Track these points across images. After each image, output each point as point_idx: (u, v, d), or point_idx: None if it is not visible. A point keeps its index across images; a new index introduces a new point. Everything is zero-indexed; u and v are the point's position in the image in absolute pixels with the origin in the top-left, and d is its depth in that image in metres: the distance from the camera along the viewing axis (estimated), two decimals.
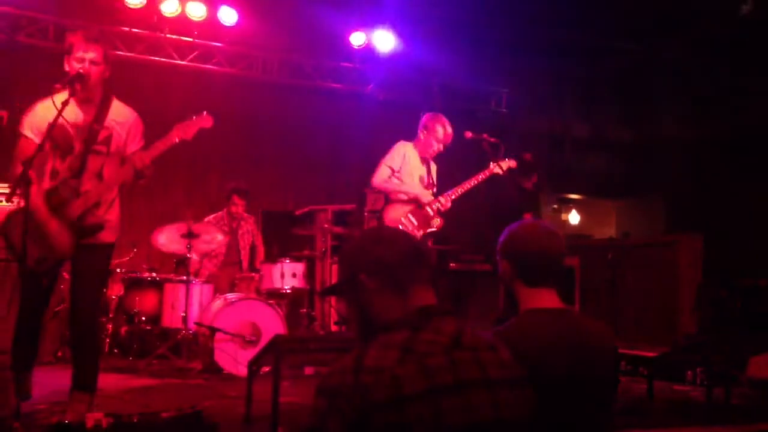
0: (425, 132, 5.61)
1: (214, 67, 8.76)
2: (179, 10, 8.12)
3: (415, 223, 5.47)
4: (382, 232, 1.98)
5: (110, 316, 6.70)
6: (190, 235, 6.16)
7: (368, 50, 9.18)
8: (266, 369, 5.01)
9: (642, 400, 4.78)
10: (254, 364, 4.27)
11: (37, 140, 3.68)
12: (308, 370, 5.93)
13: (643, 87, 10.49)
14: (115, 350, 6.63)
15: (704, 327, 6.69)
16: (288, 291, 6.57)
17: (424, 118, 5.66)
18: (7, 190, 3.86)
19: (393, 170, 5.52)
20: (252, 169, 8.65)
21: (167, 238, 6.34)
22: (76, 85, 3.71)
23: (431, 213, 5.54)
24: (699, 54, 9.18)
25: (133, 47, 8.25)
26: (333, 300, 7.11)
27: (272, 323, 5.93)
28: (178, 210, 7.58)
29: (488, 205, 6.30)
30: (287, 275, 6.54)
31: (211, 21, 8.37)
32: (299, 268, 6.63)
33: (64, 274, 4.19)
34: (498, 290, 7.15)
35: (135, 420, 3.12)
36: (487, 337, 1.81)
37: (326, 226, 7.04)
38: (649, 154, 10.84)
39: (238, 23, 8.46)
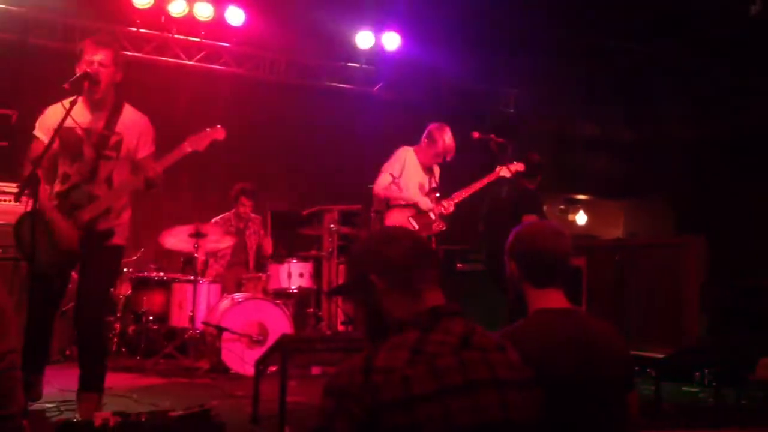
0: (428, 141, 5.64)
1: (222, 68, 8.77)
2: (187, 11, 8.14)
3: (417, 227, 5.49)
4: (391, 232, 1.97)
5: (118, 315, 6.72)
6: (198, 235, 6.18)
7: (375, 50, 9.18)
8: (273, 368, 5.02)
9: (650, 402, 4.77)
10: (261, 364, 4.28)
11: (46, 141, 3.71)
12: (315, 370, 5.94)
13: (650, 87, 10.46)
14: (123, 349, 6.65)
15: (712, 328, 6.66)
16: (295, 291, 6.59)
17: (430, 127, 5.68)
18: (16, 190, 3.88)
19: (393, 177, 5.57)
20: (259, 169, 8.65)
21: (175, 239, 6.37)
22: (85, 84, 3.73)
23: (433, 217, 5.57)
24: (705, 54, 9.15)
25: (140, 48, 8.27)
26: (340, 300, 7.11)
27: (279, 323, 5.94)
28: (186, 210, 7.60)
29: (486, 206, 6.30)
30: (294, 275, 6.56)
31: (219, 21, 8.38)
32: (306, 268, 6.65)
33: (73, 274, 4.20)
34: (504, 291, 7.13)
35: (143, 419, 3.13)
36: (495, 338, 1.81)
37: (333, 226, 7.05)
38: (657, 155, 10.80)
39: (245, 23, 8.47)
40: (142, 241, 7.06)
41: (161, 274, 6.83)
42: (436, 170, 5.79)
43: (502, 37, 9.09)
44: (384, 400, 1.56)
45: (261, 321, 5.96)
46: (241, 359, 5.75)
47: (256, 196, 7.17)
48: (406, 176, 5.62)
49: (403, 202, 5.60)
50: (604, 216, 12.26)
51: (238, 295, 6.20)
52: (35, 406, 3.79)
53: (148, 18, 8.16)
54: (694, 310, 6.78)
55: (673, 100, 10.19)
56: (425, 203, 5.57)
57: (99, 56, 3.78)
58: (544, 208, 6.18)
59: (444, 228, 5.63)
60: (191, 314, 6.12)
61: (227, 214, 7.16)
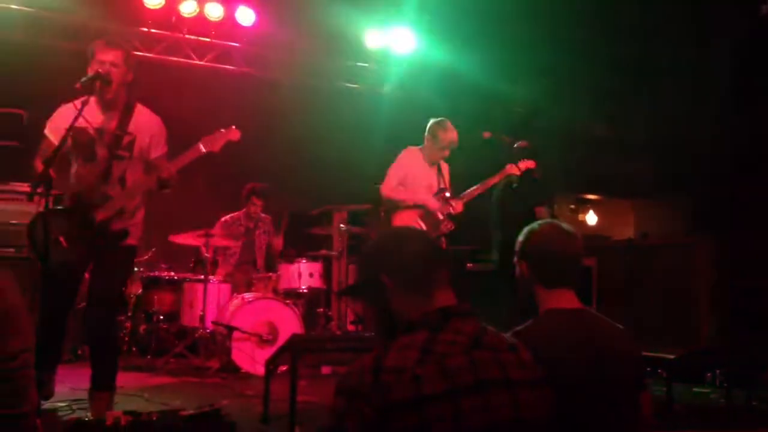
0: (430, 137, 5.67)
1: (232, 68, 8.79)
2: (197, 11, 8.16)
3: (425, 227, 5.49)
4: (402, 233, 1.97)
5: (128, 314, 6.75)
6: (207, 236, 6.23)
7: (385, 50, 9.18)
8: (283, 368, 5.04)
9: (661, 403, 4.75)
10: (271, 363, 4.28)
11: (57, 141, 3.73)
12: (325, 370, 5.95)
13: (662, 85, 10.41)
14: (134, 349, 6.68)
15: (723, 328, 6.63)
16: (305, 291, 6.60)
17: (429, 125, 5.72)
18: (28, 190, 3.90)
19: (400, 178, 5.60)
20: (269, 168, 8.66)
21: (184, 241, 6.46)
22: (96, 84, 3.75)
23: (441, 217, 5.58)
24: (717, 52, 9.10)
25: (151, 48, 8.30)
26: (349, 299, 7.11)
27: (289, 323, 5.96)
28: (196, 210, 7.62)
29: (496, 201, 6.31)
30: (304, 275, 6.57)
31: (229, 21, 8.41)
32: (316, 267, 6.66)
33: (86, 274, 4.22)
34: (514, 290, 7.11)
35: (154, 418, 3.14)
36: (507, 338, 1.81)
37: (343, 225, 7.05)
38: (668, 154, 10.75)
39: (255, 23, 8.49)
40: (152, 240, 7.08)
41: (172, 273, 6.86)
42: (445, 169, 5.80)
43: (513, 35, 9.06)
44: (394, 399, 1.56)
45: (271, 320, 5.97)
46: (251, 359, 5.77)
47: (267, 195, 7.19)
48: (414, 177, 5.63)
49: (410, 203, 5.61)
50: (614, 216, 12.21)
51: (248, 295, 6.21)
52: (47, 404, 3.81)
53: (159, 18, 8.19)
54: (706, 311, 6.75)
55: (684, 99, 10.14)
56: (433, 203, 5.57)
57: (110, 57, 3.80)
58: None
59: (452, 228, 5.64)
60: (202, 314, 6.15)
61: (237, 213, 7.18)
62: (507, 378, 1.67)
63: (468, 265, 7.65)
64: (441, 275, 1.81)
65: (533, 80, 9.90)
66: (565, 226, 2.33)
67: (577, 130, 10.95)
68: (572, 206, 11.58)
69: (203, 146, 4.01)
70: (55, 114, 3.91)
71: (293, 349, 3.91)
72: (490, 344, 1.71)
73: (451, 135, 5.62)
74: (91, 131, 3.83)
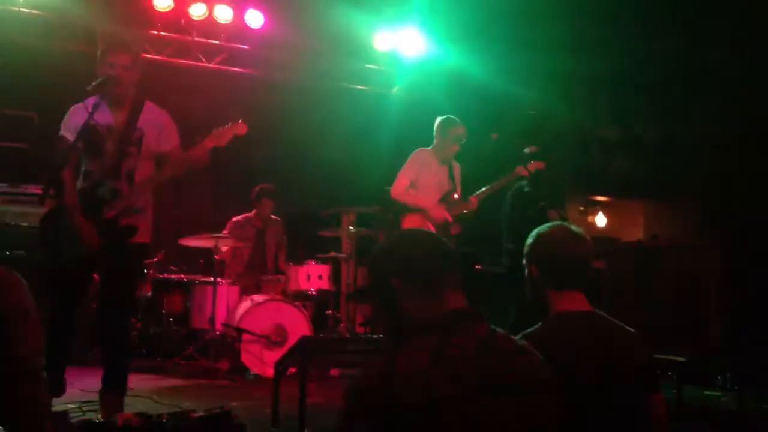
0: (438, 136, 5.76)
1: (241, 70, 8.81)
2: (207, 14, 8.19)
3: (434, 229, 5.49)
4: (412, 235, 1.97)
5: (139, 316, 6.77)
6: (217, 238, 6.24)
7: (394, 52, 9.18)
8: (292, 370, 5.03)
9: (672, 405, 4.72)
10: (280, 366, 4.28)
11: (70, 141, 3.76)
12: (334, 372, 5.95)
13: (673, 87, 10.37)
14: (144, 350, 6.70)
15: (734, 331, 6.59)
16: (314, 293, 6.60)
17: (436, 123, 5.80)
18: (39, 192, 3.92)
19: (410, 181, 5.64)
20: (277, 170, 8.68)
21: (195, 243, 6.49)
22: (107, 87, 3.78)
23: (449, 220, 5.59)
24: (730, 53, 9.06)
25: (161, 50, 8.33)
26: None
27: (298, 325, 5.96)
28: (205, 212, 7.64)
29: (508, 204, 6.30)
30: (313, 277, 6.58)
31: (238, 24, 8.42)
32: (325, 269, 6.66)
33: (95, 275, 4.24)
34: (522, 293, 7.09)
35: (164, 420, 3.14)
36: (516, 341, 1.81)
37: (352, 227, 7.06)
38: (678, 155, 10.70)
39: (264, 26, 8.50)
40: (161, 242, 7.09)
41: (181, 275, 6.88)
42: (457, 170, 5.83)
43: (522, 37, 9.05)
44: (404, 403, 1.56)
45: (280, 323, 5.98)
46: (260, 361, 5.78)
47: (276, 196, 7.21)
48: (425, 178, 5.67)
49: (417, 208, 5.65)
50: (624, 218, 12.17)
51: (257, 297, 6.22)
52: (57, 406, 3.83)
53: (169, 21, 8.21)
54: (716, 313, 6.71)
55: (695, 101, 10.09)
56: (437, 212, 5.60)
57: (120, 59, 3.84)
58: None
59: (460, 231, 5.67)
60: (211, 316, 6.16)
61: (248, 214, 7.20)
62: (516, 382, 1.67)
63: (478, 267, 7.63)
64: (451, 278, 1.81)
65: (545, 82, 9.88)
66: (574, 228, 2.33)
67: (587, 132, 10.93)
68: (581, 208, 11.54)
69: (211, 141, 4.02)
70: (67, 115, 3.95)
71: (302, 351, 3.91)
72: (500, 347, 1.71)
73: (459, 129, 5.71)
74: (101, 129, 3.86)
